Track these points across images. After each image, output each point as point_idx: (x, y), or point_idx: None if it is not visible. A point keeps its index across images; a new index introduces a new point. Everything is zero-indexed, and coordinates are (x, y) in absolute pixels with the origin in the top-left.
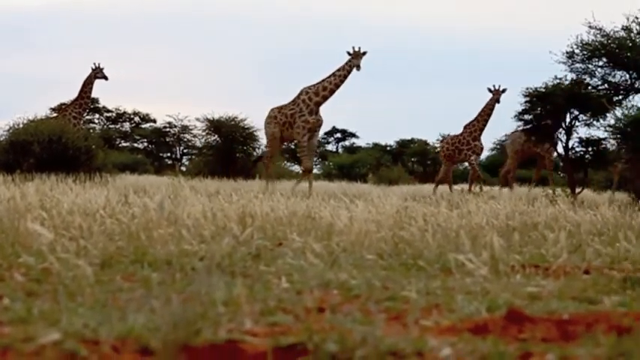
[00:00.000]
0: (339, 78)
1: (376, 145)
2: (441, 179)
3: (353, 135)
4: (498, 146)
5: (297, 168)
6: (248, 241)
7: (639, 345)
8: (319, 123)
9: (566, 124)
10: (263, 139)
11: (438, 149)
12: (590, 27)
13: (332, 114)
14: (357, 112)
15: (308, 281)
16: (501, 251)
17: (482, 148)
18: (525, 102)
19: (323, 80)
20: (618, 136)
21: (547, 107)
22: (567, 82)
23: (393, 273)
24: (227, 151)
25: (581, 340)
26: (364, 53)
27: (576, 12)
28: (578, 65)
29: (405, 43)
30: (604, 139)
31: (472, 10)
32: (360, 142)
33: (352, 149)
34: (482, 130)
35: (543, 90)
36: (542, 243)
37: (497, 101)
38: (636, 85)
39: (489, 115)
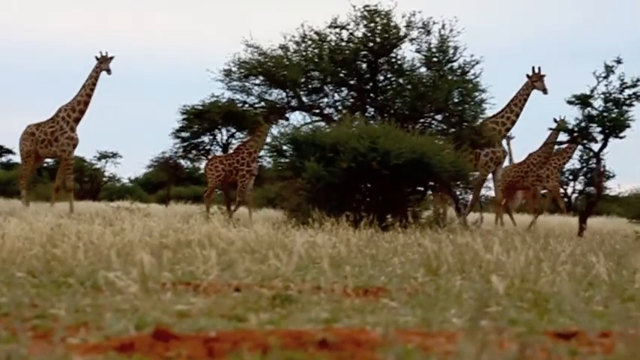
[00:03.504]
0: (89, 87)
1: None
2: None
3: (9, 151)
4: (156, 163)
5: None
6: None
7: None
8: (78, 141)
9: (223, 141)
10: None
11: (210, 169)
12: (247, 45)
13: None
14: (15, 127)
15: None
16: (152, 269)
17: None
18: (183, 119)
19: (76, 95)
20: (275, 153)
21: (204, 125)
22: (224, 100)
23: (44, 291)
24: None
25: (226, 358)
26: (112, 58)
27: (236, 30)
28: (235, 83)
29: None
30: (260, 156)
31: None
32: (17, 159)
33: (8, 166)
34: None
35: (200, 107)
36: (194, 261)
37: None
38: (292, 104)
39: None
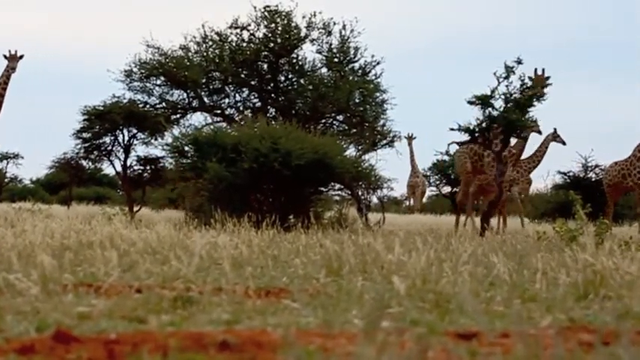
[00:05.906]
0: (0, 87)
1: None
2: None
3: None
4: (57, 164)
5: None
6: None
7: None
8: None
9: (124, 142)
10: None
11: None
12: (148, 46)
13: None
14: None
15: None
16: (53, 270)
17: None
18: (84, 120)
19: None
20: (176, 154)
21: (105, 125)
22: (125, 101)
23: None
24: None
25: None
26: (21, 56)
27: (136, 30)
28: (136, 84)
29: None
30: (162, 157)
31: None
32: None
33: None
34: None
35: (101, 108)
36: (95, 262)
37: None
38: (194, 104)
39: None
